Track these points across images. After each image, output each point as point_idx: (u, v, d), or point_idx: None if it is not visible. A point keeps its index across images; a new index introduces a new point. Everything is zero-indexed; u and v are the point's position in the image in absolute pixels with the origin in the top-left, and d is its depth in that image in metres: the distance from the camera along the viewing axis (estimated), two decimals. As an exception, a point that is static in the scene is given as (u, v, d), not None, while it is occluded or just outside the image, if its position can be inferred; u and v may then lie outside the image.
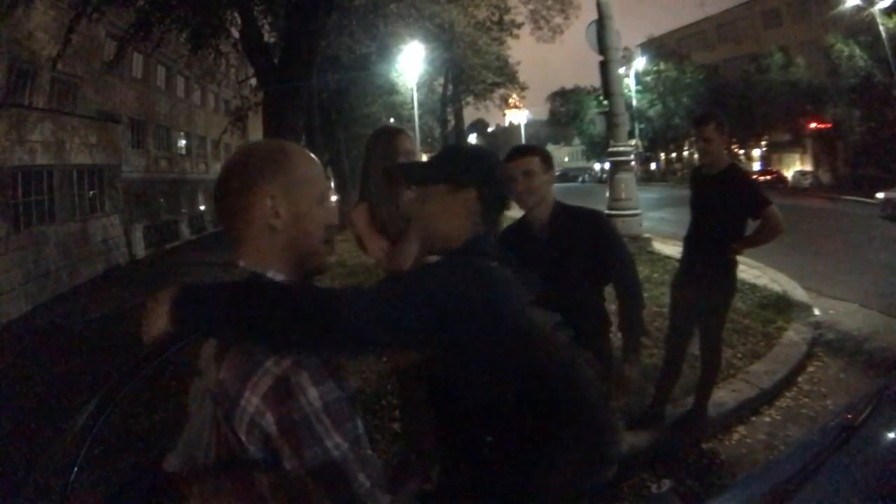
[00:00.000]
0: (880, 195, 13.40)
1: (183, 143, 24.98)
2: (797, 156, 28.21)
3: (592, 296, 1.87)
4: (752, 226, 2.61)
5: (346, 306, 0.83)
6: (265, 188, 0.85)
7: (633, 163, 7.59)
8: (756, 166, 30.17)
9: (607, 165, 8.50)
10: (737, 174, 2.70)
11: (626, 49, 28.99)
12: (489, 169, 1.11)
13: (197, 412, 0.87)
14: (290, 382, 0.75)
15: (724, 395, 2.97)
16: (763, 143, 29.84)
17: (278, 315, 0.78)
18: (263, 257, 0.86)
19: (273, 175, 0.85)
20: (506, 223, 1.50)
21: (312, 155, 0.95)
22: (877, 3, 18.20)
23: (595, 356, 1.77)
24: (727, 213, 2.60)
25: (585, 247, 1.78)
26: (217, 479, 0.81)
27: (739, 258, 2.67)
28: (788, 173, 27.37)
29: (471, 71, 23.64)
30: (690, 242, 2.78)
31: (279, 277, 0.87)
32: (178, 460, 0.88)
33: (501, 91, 28.98)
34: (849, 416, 0.96)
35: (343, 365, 0.88)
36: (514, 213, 1.75)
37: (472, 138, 63.07)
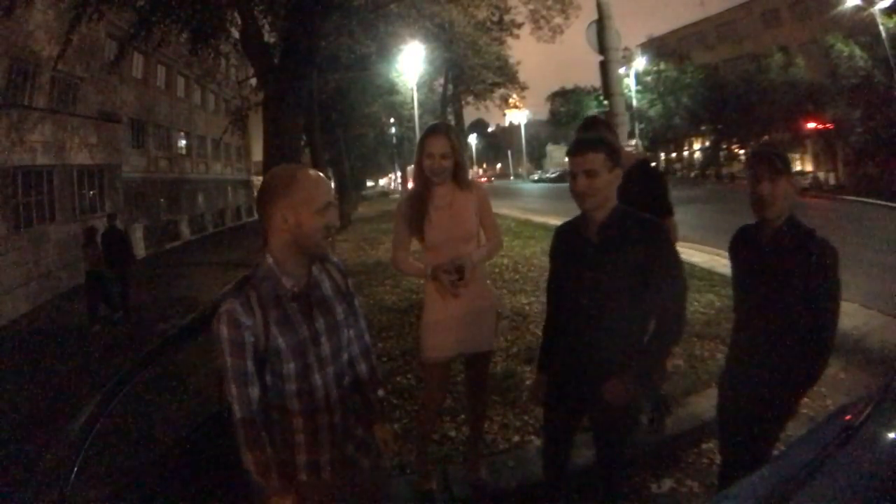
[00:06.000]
0: None
1: (183, 143, 24.94)
2: (797, 156, 28.18)
3: (631, 311, 1.63)
4: None
5: None
6: (278, 204, 1.29)
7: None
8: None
9: (607, 165, 8.44)
10: (648, 169, 2.36)
11: (626, 49, 29.03)
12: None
13: None
14: (218, 317, 1.26)
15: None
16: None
17: None
18: (278, 248, 1.33)
19: (283, 196, 1.29)
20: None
21: (319, 175, 1.33)
22: (877, 3, 18.18)
23: (624, 371, 1.59)
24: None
25: (635, 258, 1.59)
26: None
27: None
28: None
29: (471, 71, 23.59)
30: None
31: (271, 261, 1.34)
32: None
33: (501, 91, 28.96)
34: (849, 416, 0.96)
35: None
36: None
37: (472, 138, 63.06)
